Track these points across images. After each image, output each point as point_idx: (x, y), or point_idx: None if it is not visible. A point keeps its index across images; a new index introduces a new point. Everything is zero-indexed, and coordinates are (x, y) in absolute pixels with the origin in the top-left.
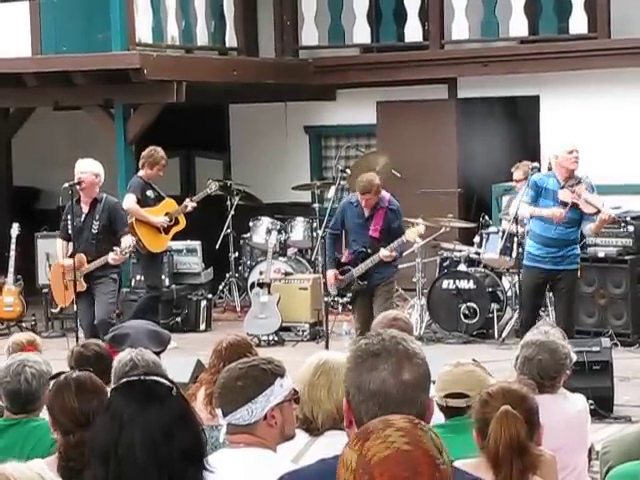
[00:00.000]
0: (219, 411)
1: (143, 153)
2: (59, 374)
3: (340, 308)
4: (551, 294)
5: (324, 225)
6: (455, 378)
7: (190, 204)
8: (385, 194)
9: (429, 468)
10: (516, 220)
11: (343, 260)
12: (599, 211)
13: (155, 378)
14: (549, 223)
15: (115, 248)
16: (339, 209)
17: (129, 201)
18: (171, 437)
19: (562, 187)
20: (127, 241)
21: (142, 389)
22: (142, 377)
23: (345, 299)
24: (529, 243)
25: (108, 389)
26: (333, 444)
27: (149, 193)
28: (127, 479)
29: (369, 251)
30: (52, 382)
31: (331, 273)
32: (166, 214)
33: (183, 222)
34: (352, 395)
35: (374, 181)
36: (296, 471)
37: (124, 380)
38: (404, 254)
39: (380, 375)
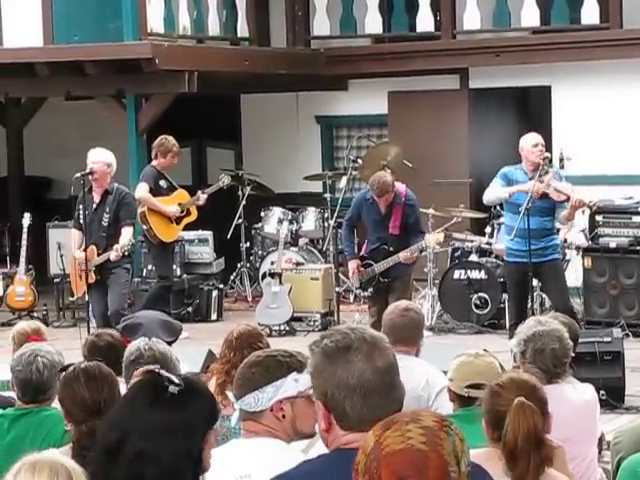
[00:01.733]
0: (230, 393)
1: (154, 143)
2: (67, 366)
3: (352, 298)
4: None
5: (335, 215)
6: (478, 369)
7: (202, 197)
8: (400, 187)
9: (437, 473)
10: (528, 211)
11: (362, 253)
12: (569, 198)
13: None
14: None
15: (115, 246)
16: (354, 204)
17: (141, 190)
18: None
19: (530, 178)
20: (126, 237)
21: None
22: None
23: (366, 293)
24: (506, 238)
25: (120, 379)
26: None
27: (162, 183)
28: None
29: (391, 249)
30: (61, 375)
31: (354, 263)
32: (178, 205)
33: (195, 213)
34: (330, 395)
35: (387, 180)
36: (282, 475)
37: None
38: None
39: (357, 367)
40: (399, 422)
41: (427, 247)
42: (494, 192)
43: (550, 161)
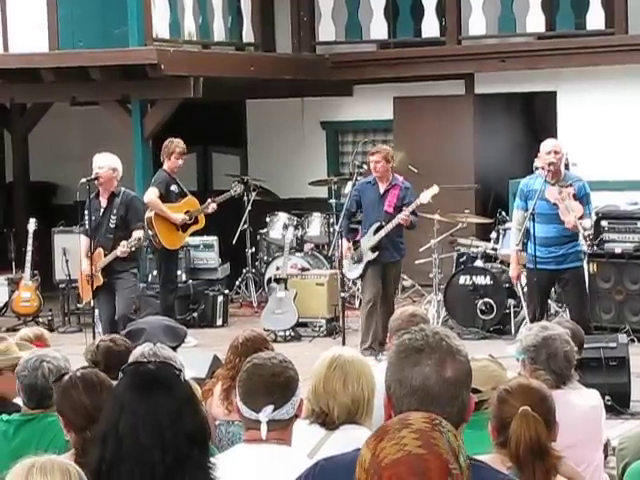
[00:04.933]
0: (269, 407)
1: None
2: (62, 376)
3: (357, 303)
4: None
5: (340, 220)
6: None
7: (212, 205)
8: (398, 176)
9: (439, 474)
10: (533, 216)
11: (357, 238)
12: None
13: (163, 362)
14: (544, 222)
15: (123, 242)
16: (355, 190)
17: (151, 194)
18: (177, 420)
19: (553, 184)
20: (136, 235)
21: (147, 375)
22: (149, 361)
23: (355, 274)
24: (529, 245)
25: None
26: (348, 438)
27: (173, 188)
28: (128, 459)
29: (383, 224)
30: (56, 385)
31: (345, 243)
32: (186, 212)
33: (202, 221)
34: (393, 389)
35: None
36: (332, 458)
37: (130, 365)
38: (421, 250)
39: (423, 371)
40: (391, 430)
41: (422, 203)
42: (513, 233)
43: (566, 166)
